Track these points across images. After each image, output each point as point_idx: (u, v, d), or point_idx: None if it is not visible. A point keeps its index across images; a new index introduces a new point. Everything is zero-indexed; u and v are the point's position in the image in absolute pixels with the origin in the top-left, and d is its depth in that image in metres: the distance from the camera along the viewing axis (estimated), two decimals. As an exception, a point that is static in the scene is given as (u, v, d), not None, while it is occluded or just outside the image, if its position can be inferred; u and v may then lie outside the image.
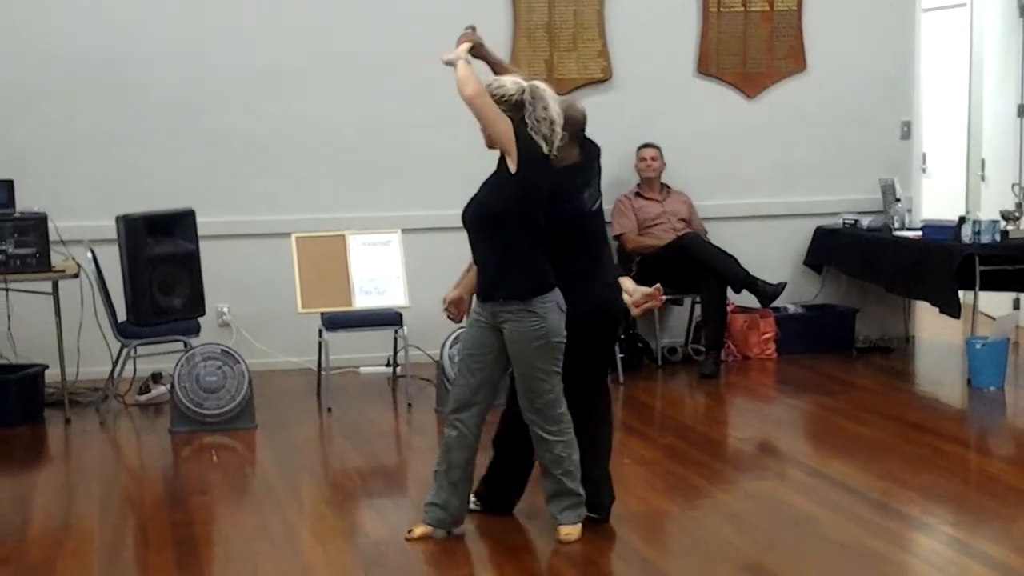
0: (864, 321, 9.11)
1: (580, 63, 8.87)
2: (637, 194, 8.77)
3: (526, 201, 4.95)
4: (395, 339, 7.87)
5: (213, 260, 7.78)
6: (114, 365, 7.51)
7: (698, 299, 8.63)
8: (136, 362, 7.61)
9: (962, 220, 8.10)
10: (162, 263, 7.31)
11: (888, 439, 6.69)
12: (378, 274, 7.63)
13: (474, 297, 5.24)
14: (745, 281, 8.31)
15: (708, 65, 9.09)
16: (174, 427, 7.04)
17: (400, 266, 7.66)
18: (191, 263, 7.44)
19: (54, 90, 8.15)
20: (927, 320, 9.42)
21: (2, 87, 8.09)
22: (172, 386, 7.08)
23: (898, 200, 8.94)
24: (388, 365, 8.23)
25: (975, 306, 8.09)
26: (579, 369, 5.17)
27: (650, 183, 8.77)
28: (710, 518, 5.53)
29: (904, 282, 8.44)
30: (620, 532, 5.23)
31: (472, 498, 5.37)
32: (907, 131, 9.44)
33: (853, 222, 8.99)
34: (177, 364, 7.09)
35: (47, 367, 7.47)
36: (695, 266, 8.33)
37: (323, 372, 7.64)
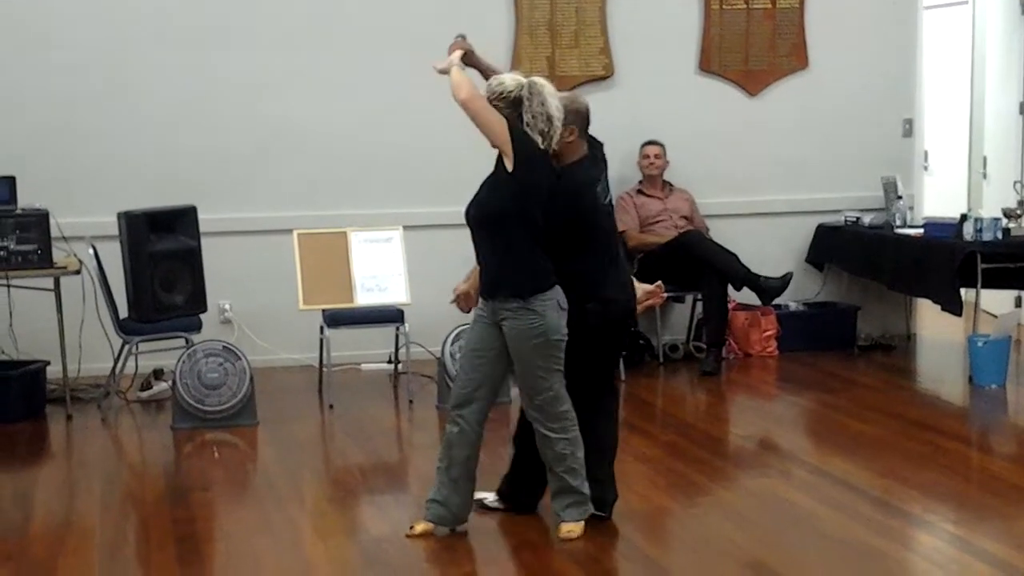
0: (865, 319, 9.11)
1: (582, 60, 8.87)
2: (639, 191, 8.76)
3: (524, 200, 4.95)
4: (396, 336, 7.88)
5: (215, 257, 7.78)
6: (116, 361, 7.51)
7: (699, 296, 8.62)
8: (138, 358, 7.61)
9: (964, 218, 8.10)
10: (164, 259, 7.31)
11: (889, 437, 6.69)
12: (380, 271, 7.63)
13: None
14: (746, 278, 8.31)
15: (710, 62, 9.08)
16: (175, 424, 7.04)
17: (402, 263, 7.66)
18: (193, 259, 7.45)
19: (56, 87, 8.15)
20: (929, 318, 9.42)
21: (4, 83, 8.09)
22: (174, 383, 7.09)
23: (900, 198, 8.94)
24: (389, 362, 8.23)
25: (977, 304, 8.09)
26: (590, 366, 5.18)
27: (652, 180, 8.77)
28: (711, 516, 5.53)
29: (906, 280, 8.44)
30: (622, 529, 5.23)
31: (494, 497, 5.38)
32: (909, 129, 9.43)
33: (855, 220, 8.99)
34: (179, 361, 7.09)
35: (49, 363, 7.48)
36: (696, 263, 8.33)
37: (324, 369, 7.64)
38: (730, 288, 8.44)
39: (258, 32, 8.40)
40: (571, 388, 5.09)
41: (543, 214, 5.01)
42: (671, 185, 8.86)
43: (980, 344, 7.72)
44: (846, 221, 9.04)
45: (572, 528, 5.09)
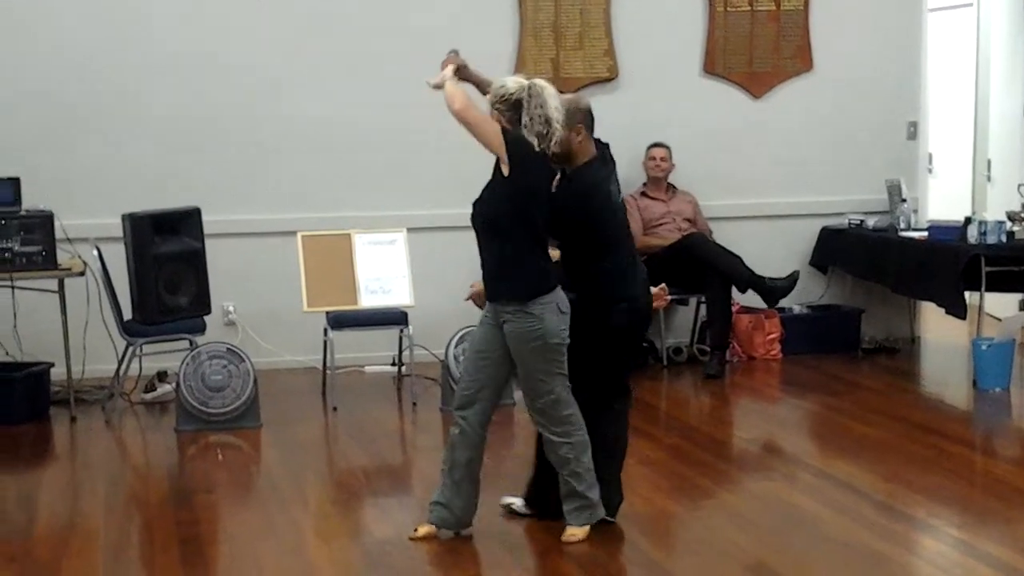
0: (870, 322, 9.11)
1: (586, 62, 8.87)
2: (643, 194, 8.76)
3: (521, 203, 4.96)
4: (400, 338, 7.87)
5: (219, 259, 7.79)
6: (120, 363, 7.51)
7: (703, 299, 8.61)
8: (142, 360, 7.61)
9: (968, 221, 8.10)
10: (168, 261, 7.31)
11: (893, 440, 6.68)
12: (383, 273, 7.63)
13: None
14: (750, 281, 8.31)
15: (714, 64, 9.08)
16: (179, 426, 7.04)
17: (405, 265, 7.66)
18: (197, 261, 7.45)
19: (60, 89, 8.15)
20: (933, 321, 9.41)
21: (9, 85, 8.10)
22: (178, 384, 7.09)
23: (904, 200, 8.93)
24: (393, 364, 8.23)
25: (981, 307, 8.09)
26: (606, 366, 5.19)
27: (657, 183, 8.77)
28: (715, 518, 5.53)
29: (910, 283, 8.44)
30: (626, 532, 5.23)
31: (520, 502, 5.37)
32: (913, 131, 9.42)
33: (859, 222, 8.98)
34: (183, 363, 7.09)
35: (53, 365, 7.48)
36: (700, 266, 8.33)
37: (328, 371, 7.64)
38: (734, 291, 8.43)
39: (263, 34, 8.39)
40: (585, 388, 5.11)
41: (550, 216, 5.03)
42: (674, 188, 8.86)
43: (984, 347, 7.72)
44: (850, 224, 9.04)
45: (575, 532, 5.09)
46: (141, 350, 7.45)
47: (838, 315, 9.10)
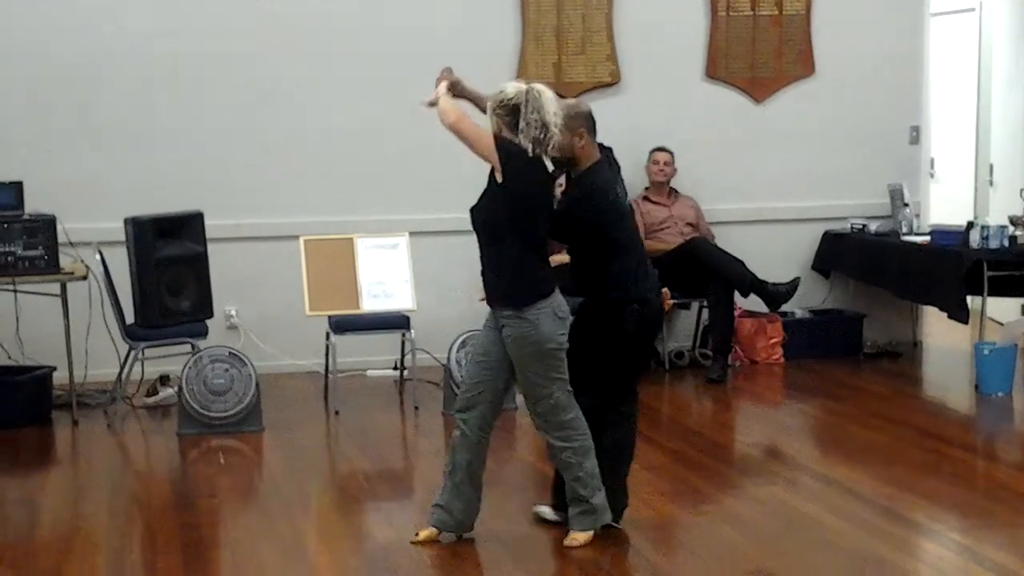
0: (872, 326, 9.10)
1: (588, 67, 8.87)
2: (645, 198, 8.76)
3: (515, 209, 4.97)
4: (402, 342, 7.87)
5: (221, 262, 7.79)
6: (122, 367, 7.51)
7: (705, 303, 8.62)
8: (144, 364, 7.61)
9: (970, 225, 8.10)
10: (170, 265, 7.32)
11: (896, 445, 6.68)
12: (386, 277, 7.63)
13: None
14: (753, 285, 8.31)
15: (716, 69, 9.09)
16: (181, 429, 7.05)
17: (408, 269, 7.66)
18: (199, 265, 7.45)
19: (62, 93, 8.16)
20: (935, 325, 9.40)
21: (11, 89, 8.11)
22: (180, 388, 7.09)
23: (906, 205, 8.93)
24: (395, 368, 8.23)
25: (983, 311, 8.08)
26: (616, 368, 5.20)
27: (659, 187, 8.77)
28: (717, 523, 5.53)
29: (912, 287, 8.44)
30: (628, 536, 5.23)
31: (549, 510, 5.37)
32: (916, 136, 9.42)
33: (861, 227, 8.97)
34: (185, 366, 7.09)
35: (55, 369, 7.48)
36: (702, 270, 8.33)
37: (330, 375, 7.64)
38: (736, 295, 8.43)
39: (265, 38, 8.40)
40: (592, 391, 5.11)
41: (559, 220, 5.07)
42: (676, 192, 8.86)
43: (986, 352, 7.71)
44: (852, 228, 9.03)
45: (576, 537, 5.10)
46: (143, 354, 7.45)
47: (840, 319, 9.10)
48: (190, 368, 7.07)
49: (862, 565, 4.94)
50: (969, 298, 7.92)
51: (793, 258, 9.15)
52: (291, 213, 8.41)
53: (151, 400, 7.72)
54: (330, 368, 7.64)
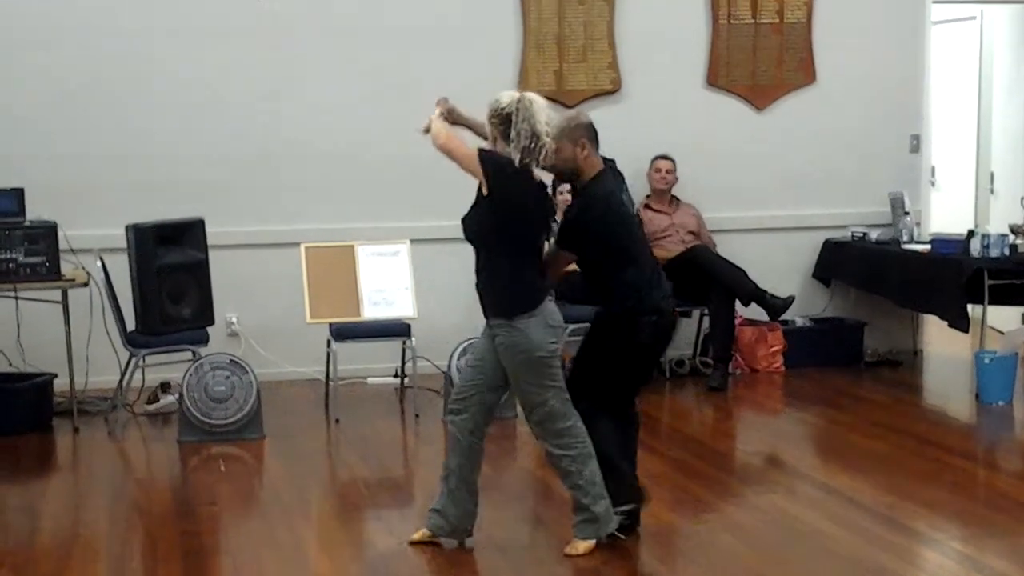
0: (872, 334, 9.10)
1: (590, 74, 8.88)
2: (646, 206, 8.76)
3: (503, 219, 4.99)
4: (403, 350, 7.87)
5: (222, 270, 7.78)
6: (123, 374, 7.51)
7: (706, 311, 8.61)
8: (145, 371, 7.62)
9: (971, 234, 8.10)
10: (171, 272, 7.32)
11: (896, 453, 6.68)
12: (386, 285, 7.63)
13: None
14: (753, 294, 8.32)
15: (717, 77, 9.09)
16: (182, 437, 7.05)
17: (408, 277, 7.66)
18: (200, 272, 7.45)
19: (64, 100, 8.17)
20: (936, 334, 9.40)
21: (13, 96, 8.12)
22: (180, 396, 7.09)
23: (907, 213, 8.93)
24: (396, 376, 8.23)
25: (984, 320, 8.09)
26: (626, 378, 5.20)
27: (661, 195, 8.77)
28: (718, 532, 5.53)
29: (913, 296, 8.43)
30: (628, 544, 5.22)
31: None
32: (916, 144, 9.43)
33: (862, 235, 8.97)
34: (186, 374, 7.09)
35: (56, 376, 7.49)
36: (704, 278, 8.33)
37: (331, 382, 7.63)
38: (737, 303, 8.43)
39: (266, 46, 8.41)
40: (607, 396, 5.14)
41: (566, 231, 5.13)
42: (678, 200, 8.86)
43: (987, 361, 7.71)
44: (853, 236, 9.03)
45: (577, 546, 5.09)
46: (144, 361, 7.45)
47: (841, 328, 9.10)
48: (191, 375, 7.07)
49: (862, 574, 4.93)
50: (970, 307, 7.93)
51: (794, 266, 9.15)
52: (292, 220, 8.41)
53: (152, 407, 7.72)
54: (331, 375, 7.63)
